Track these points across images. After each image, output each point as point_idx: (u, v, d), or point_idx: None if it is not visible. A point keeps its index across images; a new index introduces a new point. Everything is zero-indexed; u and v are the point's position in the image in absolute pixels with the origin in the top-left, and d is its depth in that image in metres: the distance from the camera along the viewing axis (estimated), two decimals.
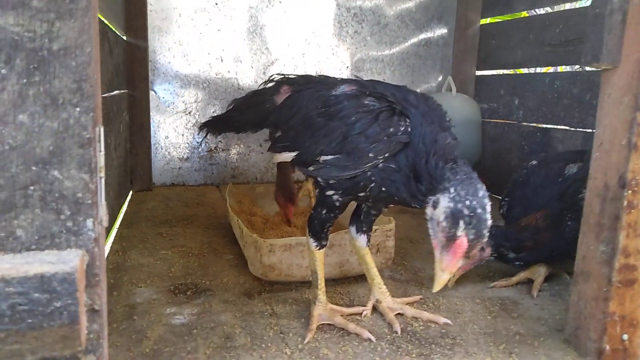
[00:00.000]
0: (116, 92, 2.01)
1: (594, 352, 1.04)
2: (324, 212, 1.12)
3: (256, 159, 2.79)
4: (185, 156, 2.70)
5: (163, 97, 2.60)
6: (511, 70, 2.80)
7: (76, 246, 0.62)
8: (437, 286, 0.92)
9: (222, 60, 2.65)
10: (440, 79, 3.05)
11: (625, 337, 1.02)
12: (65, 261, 0.58)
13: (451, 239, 0.86)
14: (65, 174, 0.60)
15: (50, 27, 0.57)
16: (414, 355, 1.04)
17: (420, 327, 1.17)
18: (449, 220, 0.86)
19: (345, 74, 2.87)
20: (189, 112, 2.66)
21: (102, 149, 0.64)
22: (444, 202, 0.87)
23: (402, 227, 2.03)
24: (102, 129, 0.64)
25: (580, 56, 1.02)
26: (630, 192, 0.96)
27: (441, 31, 3.02)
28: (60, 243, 0.61)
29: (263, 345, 1.06)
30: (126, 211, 2.16)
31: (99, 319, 0.65)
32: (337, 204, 1.10)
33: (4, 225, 0.58)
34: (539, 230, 1.42)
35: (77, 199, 0.61)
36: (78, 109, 0.59)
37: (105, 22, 1.80)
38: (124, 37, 2.35)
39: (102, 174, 0.64)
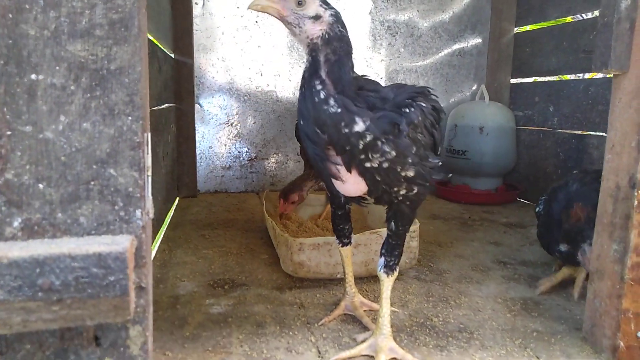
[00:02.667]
0: (165, 105, 2.19)
1: (609, 348, 1.06)
2: (334, 210, 1.21)
3: (293, 167, 2.92)
4: (227, 165, 2.86)
5: (207, 110, 2.77)
6: (545, 77, 2.79)
7: (127, 232, 0.74)
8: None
9: (261, 75, 2.81)
10: (474, 87, 3.08)
11: None
12: (118, 243, 0.70)
13: None
14: (119, 172, 0.72)
15: (109, 51, 0.70)
16: (430, 346, 1.11)
17: (440, 322, 1.23)
18: None
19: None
20: (231, 124, 2.82)
21: (149, 151, 0.76)
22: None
23: (433, 232, 2.08)
24: (149, 135, 0.76)
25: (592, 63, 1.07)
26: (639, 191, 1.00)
27: (475, 41, 3.05)
28: (114, 229, 0.73)
29: (290, 333, 1.15)
30: (173, 215, 2.32)
31: (145, 295, 0.77)
32: (336, 199, 1.18)
33: (70, 214, 0.71)
34: (579, 219, 1.42)
35: (129, 193, 0.73)
36: (130, 118, 0.72)
37: (155, 42, 1.98)
38: (172, 55, 2.54)
39: (149, 173, 0.76)
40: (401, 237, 1.10)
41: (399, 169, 0.97)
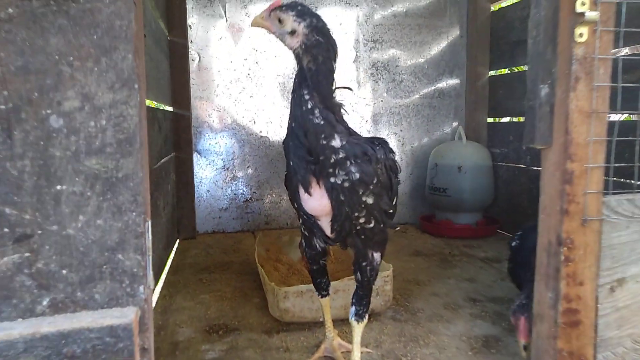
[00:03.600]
0: (165, 159, 2.39)
1: None
2: (310, 266, 1.38)
3: (287, 206, 3.10)
4: (224, 207, 3.05)
5: (205, 157, 2.98)
6: (517, 118, 3.00)
7: (133, 304, 0.92)
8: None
9: (254, 122, 3.02)
10: (454, 125, 3.28)
11: None
12: (126, 315, 0.88)
13: None
14: (126, 257, 0.91)
15: (117, 163, 0.89)
16: None
17: (408, 358, 1.39)
18: None
19: (365, 127, 3.16)
20: (227, 168, 3.02)
21: (150, 236, 0.94)
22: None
23: (413, 270, 2.25)
24: (149, 223, 0.95)
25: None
26: (565, 248, 1.17)
27: (453, 83, 3.27)
28: (122, 302, 0.91)
29: None
30: (173, 259, 2.50)
31: (147, 354, 0.94)
32: (311, 251, 1.32)
33: (87, 292, 0.89)
34: None
35: (134, 273, 0.91)
36: (134, 213, 0.91)
37: (155, 106, 2.19)
38: (171, 109, 2.76)
39: (150, 254, 0.94)
40: (366, 288, 1.27)
41: (360, 192, 1.12)
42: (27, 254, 0.85)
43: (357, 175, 1.12)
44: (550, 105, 1.18)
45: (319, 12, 2.94)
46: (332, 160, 1.10)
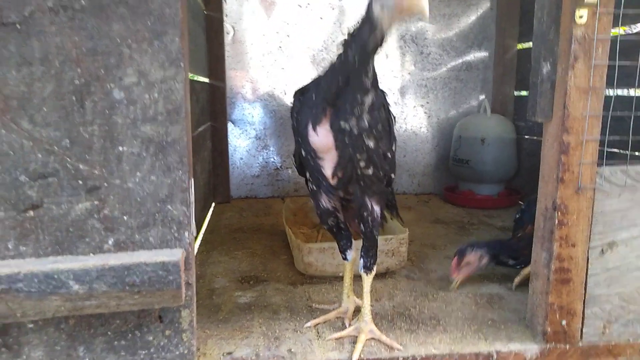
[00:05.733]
0: (202, 127, 2.58)
1: (541, 333, 1.37)
2: (326, 228, 1.53)
3: None
4: (256, 174, 3.24)
5: (238, 126, 3.16)
6: None
7: (179, 247, 1.11)
8: (425, 11, 1.15)
9: (285, 94, 3.17)
10: (481, 98, 3.34)
11: (564, 322, 1.34)
12: (174, 255, 1.07)
13: None
14: (174, 207, 1.10)
15: (167, 130, 1.07)
16: (403, 330, 1.44)
17: (416, 312, 1.56)
18: None
19: (392, 98, 3.26)
20: (259, 138, 3.20)
21: (193, 192, 1.13)
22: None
23: (432, 235, 2.39)
24: (192, 180, 1.13)
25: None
26: (559, 213, 1.30)
27: (481, 55, 3.31)
28: (171, 245, 1.11)
29: (298, 318, 1.51)
30: (209, 220, 2.72)
31: (191, 289, 1.14)
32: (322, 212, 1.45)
33: (144, 235, 1.09)
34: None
35: (180, 221, 1.11)
36: (180, 172, 1.09)
37: (192, 78, 2.37)
38: (207, 80, 2.94)
39: (193, 206, 1.13)
40: (370, 239, 1.39)
41: (363, 136, 1.24)
42: (96, 202, 1.05)
43: (366, 124, 1.24)
44: (551, 82, 1.29)
45: None
46: (355, 112, 1.20)
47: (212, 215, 2.84)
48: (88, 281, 1.01)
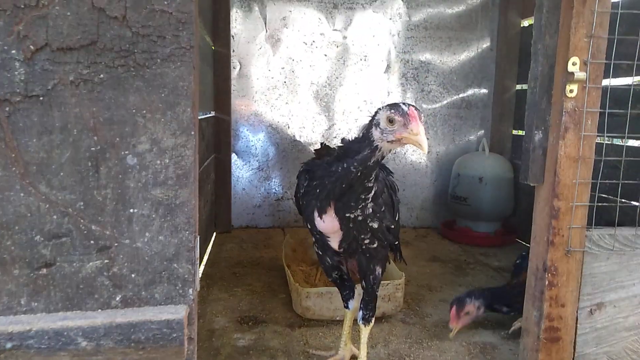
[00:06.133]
0: (206, 162, 2.65)
1: None
2: (329, 279, 1.59)
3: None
4: (258, 204, 3.30)
5: (241, 158, 3.23)
6: None
7: (183, 303, 1.16)
8: (424, 147, 1.15)
9: (289, 127, 3.24)
10: (480, 135, 3.41)
11: None
12: (179, 312, 1.12)
13: (404, 115, 1.16)
14: (180, 266, 1.15)
15: (176, 193, 1.13)
16: None
17: (413, 353, 1.60)
18: (392, 108, 1.18)
19: None
20: (262, 169, 3.26)
21: (198, 250, 1.18)
22: (380, 113, 1.20)
23: (428, 275, 2.43)
24: (198, 239, 1.19)
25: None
26: (549, 274, 1.35)
27: (480, 94, 3.39)
28: (175, 301, 1.16)
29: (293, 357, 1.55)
30: (210, 251, 2.77)
31: (193, 343, 1.19)
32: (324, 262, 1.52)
33: (150, 292, 1.14)
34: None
35: (185, 278, 1.16)
36: (187, 232, 1.15)
37: (201, 116, 2.44)
38: (213, 114, 3.01)
39: (197, 263, 1.18)
40: (371, 294, 1.45)
41: (367, 220, 1.32)
42: (106, 261, 1.11)
43: (370, 210, 1.32)
44: (542, 149, 1.35)
45: (354, 23, 3.12)
46: (359, 206, 1.29)
47: (213, 245, 2.89)
48: (96, 338, 1.06)
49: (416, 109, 1.18)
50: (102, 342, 1.06)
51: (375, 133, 1.21)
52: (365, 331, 1.48)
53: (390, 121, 1.17)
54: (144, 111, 1.09)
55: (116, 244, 1.12)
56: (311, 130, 3.26)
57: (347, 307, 1.56)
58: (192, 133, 1.12)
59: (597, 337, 1.39)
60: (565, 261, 1.35)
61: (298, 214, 3.35)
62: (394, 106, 1.19)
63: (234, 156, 3.20)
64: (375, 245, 1.40)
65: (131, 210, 1.12)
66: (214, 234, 3.10)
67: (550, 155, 1.34)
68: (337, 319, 1.81)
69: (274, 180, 3.29)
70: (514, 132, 3.34)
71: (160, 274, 1.15)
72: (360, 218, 1.33)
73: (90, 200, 1.09)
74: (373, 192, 1.30)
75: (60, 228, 1.08)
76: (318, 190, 1.35)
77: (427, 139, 3.37)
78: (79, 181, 1.08)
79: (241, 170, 3.25)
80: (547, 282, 1.35)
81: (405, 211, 3.43)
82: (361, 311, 1.48)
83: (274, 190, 3.30)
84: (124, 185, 1.11)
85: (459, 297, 1.75)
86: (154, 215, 1.13)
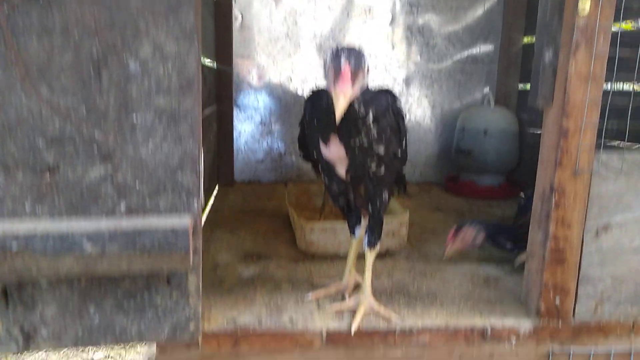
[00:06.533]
0: (208, 110, 2.62)
1: (535, 310, 1.42)
2: (336, 206, 1.58)
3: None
4: (260, 158, 3.29)
5: (243, 111, 3.20)
6: None
7: (188, 213, 1.16)
8: (338, 111, 1.11)
9: (291, 80, 3.20)
10: (485, 91, 3.36)
11: (558, 300, 1.39)
12: (184, 220, 1.12)
13: (338, 70, 1.11)
14: (184, 176, 1.14)
15: (179, 101, 1.11)
16: (402, 304, 1.49)
17: (414, 289, 1.61)
18: (333, 58, 1.13)
19: (397, 88, 3.29)
20: (264, 123, 3.24)
21: (202, 162, 1.17)
22: (328, 54, 1.15)
23: (432, 221, 2.44)
24: (202, 151, 1.17)
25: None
26: (556, 195, 1.34)
27: (487, 49, 3.33)
28: (180, 212, 1.15)
29: (299, 291, 1.56)
30: (213, 201, 2.77)
31: (198, 255, 1.19)
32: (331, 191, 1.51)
33: (154, 201, 1.14)
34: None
35: (189, 189, 1.15)
36: (191, 141, 1.13)
37: (202, 62, 2.40)
38: (215, 65, 2.97)
39: (202, 175, 1.18)
40: (377, 219, 1.45)
41: (373, 145, 1.31)
42: (109, 169, 1.10)
43: (375, 135, 1.30)
44: (552, 69, 1.32)
45: None
46: (361, 130, 1.27)
47: (216, 197, 2.88)
48: (101, 242, 1.06)
49: (354, 64, 1.12)
50: (107, 247, 1.06)
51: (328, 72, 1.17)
52: (370, 256, 1.48)
53: (329, 69, 1.14)
54: (146, 14, 1.07)
55: (119, 152, 1.11)
56: (314, 84, 3.22)
57: (353, 234, 1.56)
58: (195, 40, 1.10)
59: (602, 259, 1.39)
60: (573, 182, 1.33)
61: (301, 169, 3.37)
62: (335, 56, 1.13)
63: (235, 109, 3.17)
64: (382, 171, 1.39)
65: (134, 118, 1.10)
66: (217, 186, 3.09)
67: (560, 75, 1.31)
68: (341, 254, 1.82)
69: (276, 134, 3.27)
70: (521, 86, 3.30)
71: (165, 184, 1.14)
72: (365, 144, 1.31)
73: (93, 107, 1.08)
74: (371, 114, 1.26)
75: (62, 133, 1.07)
76: (317, 119, 1.34)
77: (432, 93, 3.36)
78: (81, 86, 1.07)
79: (243, 125, 3.23)
80: (553, 204, 1.34)
81: (409, 167, 3.41)
82: (367, 236, 1.48)
83: (276, 145, 3.28)
84: (126, 92, 1.09)
85: (459, 222, 1.76)
86: (157, 124, 1.12)
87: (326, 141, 1.33)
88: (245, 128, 3.23)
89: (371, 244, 1.47)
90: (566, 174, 1.33)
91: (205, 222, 2.34)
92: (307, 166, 3.31)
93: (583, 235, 1.37)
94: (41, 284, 1.12)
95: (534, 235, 1.43)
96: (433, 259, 1.90)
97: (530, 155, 3.11)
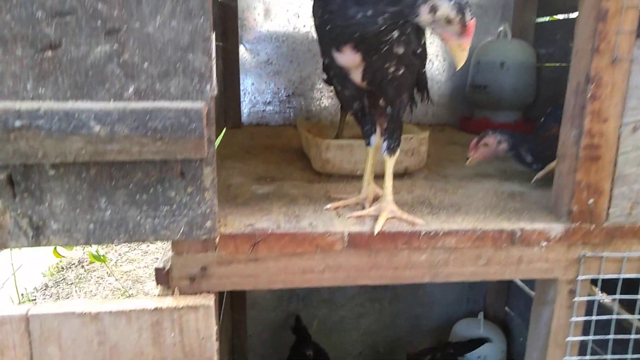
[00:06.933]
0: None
1: (566, 213, 1.35)
2: (349, 113, 1.49)
3: (327, 103, 3.21)
4: (268, 100, 3.19)
5: (250, 49, 3.09)
6: (569, 14, 2.92)
7: (201, 99, 1.08)
8: (461, 62, 1.13)
9: (299, 17, 3.07)
10: (501, 26, 3.22)
11: (591, 201, 1.32)
12: (196, 104, 1.04)
13: (464, 25, 1.07)
14: (195, 57, 1.06)
15: None
16: (425, 213, 1.42)
17: (436, 201, 1.54)
18: (459, 12, 1.06)
19: None
20: (271, 63, 3.13)
21: (214, 45, 1.09)
22: (444, 3, 1.06)
23: (448, 153, 2.36)
24: (213, 33, 1.09)
25: None
26: (593, 85, 1.25)
27: None
28: (192, 97, 1.07)
29: (317, 204, 1.49)
30: (222, 140, 2.69)
31: (212, 146, 1.12)
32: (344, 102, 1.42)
33: (165, 85, 1.06)
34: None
35: (201, 72, 1.07)
36: (202, 18, 1.04)
37: None
38: None
39: (214, 59, 1.09)
40: (397, 121, 1.37)
41: (393, 48, 1.23)
42: (115, 46, 1.01)
43: (396, 35, 1.20)
44: None
45: None
46: (381, 44, 1.19)
47: (224, 138, 2.80)
48: (109, 123, 0.99)
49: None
50: (116, 128, 0.99)
51: (424, 12, 1.08)
52: (390, 162, 1.40)
53: (448, 21, 1.07)
54: None
55: (125, 27, 1.02)
56: None
57: (369, 143, 1.48)
58: None
59: (639, 157, 1.31)
60: (611, 71, 1.24)
61: (310, 112, 3.27)
62: (461, 8, 1.06)
63: (241, 48, 3.06)
64: (401, 72, 1.30)
65: None
66: (224, 129, 3.01)
67: None
68: (358, 173, 1.74)
69: (284, 74, 3.16)
70: (538, 19, 3.15)
71: (175, 65, 1.06)
72: (384, 49, 1.22)
73: None
74: (386, 14, 1.15)
75: (63, 4, 0.98)
76: (329, 27, 1.23)
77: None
78: None
79: (250, 64, 3.12)
80: (589, 94, 1.25)
81: (421, 107, 3.29)
82: (386, 141, 1.40)
83: (284, 86, 3.18)
84: None
85: (482, 132, 1.69)
86: None
87: (340, 49, 1.24)
88: (252, 68, 3.12)
89: (390, 150, 1.40)
90: (604, 62, 1.24)
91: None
92: (317, 109, 3.24)
93: (620, 131, 1.29)
94: (48, 173, 1.05)
95: (566, 134, 1.35)
96: (453, 179, 1.82)
97: (547, 91, 3.00)
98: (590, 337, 1.40)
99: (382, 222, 1.30)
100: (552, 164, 1.65)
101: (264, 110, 3.20)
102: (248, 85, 3.14)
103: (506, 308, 3.37)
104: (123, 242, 1.10)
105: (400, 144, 1.41)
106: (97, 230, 1.09)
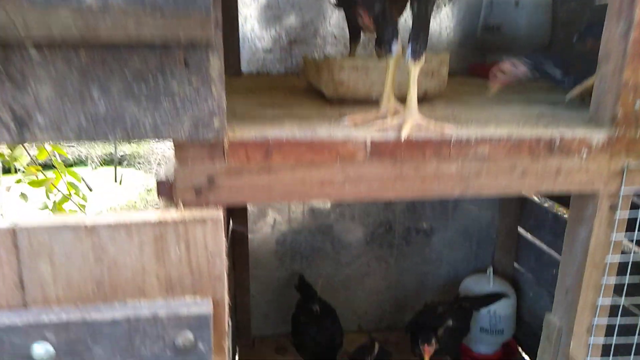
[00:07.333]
0: None
1: (609, 118, 1.22)
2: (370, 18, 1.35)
3: (330, 50, 3.06)
4: (268, 48, 3.03)
5: None
6: None
7: None
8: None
9: None
10: None
11: (638, 103, 1.19)
12: None
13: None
14: None
15: None
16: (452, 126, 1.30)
17: (463, 118, 1.41)
18: None
19: None
20: (271, 7, 2.96)
21: None
22: None
23: (464, 92, 2.22)
24: None
25: None
26: None
27: None
28: None
29: (332, 121, 1.36)
30: None
31: (219, 30, 0.98)
32: None
33: None
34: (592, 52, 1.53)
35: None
36: None
37: None
38: None
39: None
40: (423, 21, 1.24)
41: None
42: None
43: None
44: None
45: None
46: None
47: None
48: None
49: None
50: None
51: None
52: (415, 68, 1.27)
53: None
54: None
55: None
56: None
57: (390, 50, 1.34)
58: None
59: None
60: None
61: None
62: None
63: None
64: None
65: None
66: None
67: None
68: (374, 97, 1.61)
69: (285, 20, 2.99)
70: None
71: None
72: None
73: None
74: None
75: None
76: None
77: None
78: None
79: (249, 8, 2.94)
80: None
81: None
82: (410, 44, 1.26)
83: (285, 32, 3.01)
84: None
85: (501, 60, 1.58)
86: None
87: None
88: (251, 12, 2.95)
89: (415, 54, 1.26)
90: None
91: None
92: (320, 56, 3.09)
93: None
94: (31, 56, 0.91)
95: (611, 30, 1.21)
96: (476, 105, 1.69)
97: (562, 33, 2.85)
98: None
99: (408, 128, 1.17)
100: (590, 81, 1.52)
101: (264, 59, 3.04)
102: (248, 31, 2.97)
103: (515, 264, 3.28)
104: (119, 139, 0.97)
105: (426, 49, 1.27)
106: (90, 125, 0.96)
